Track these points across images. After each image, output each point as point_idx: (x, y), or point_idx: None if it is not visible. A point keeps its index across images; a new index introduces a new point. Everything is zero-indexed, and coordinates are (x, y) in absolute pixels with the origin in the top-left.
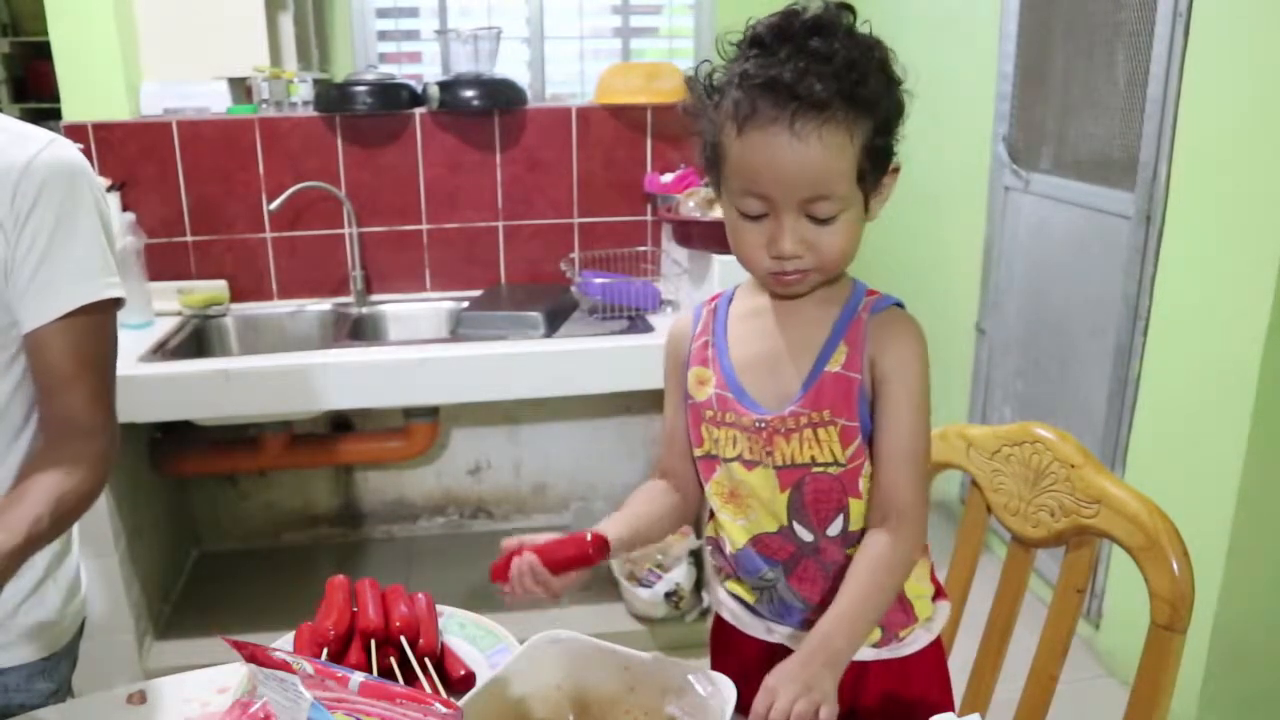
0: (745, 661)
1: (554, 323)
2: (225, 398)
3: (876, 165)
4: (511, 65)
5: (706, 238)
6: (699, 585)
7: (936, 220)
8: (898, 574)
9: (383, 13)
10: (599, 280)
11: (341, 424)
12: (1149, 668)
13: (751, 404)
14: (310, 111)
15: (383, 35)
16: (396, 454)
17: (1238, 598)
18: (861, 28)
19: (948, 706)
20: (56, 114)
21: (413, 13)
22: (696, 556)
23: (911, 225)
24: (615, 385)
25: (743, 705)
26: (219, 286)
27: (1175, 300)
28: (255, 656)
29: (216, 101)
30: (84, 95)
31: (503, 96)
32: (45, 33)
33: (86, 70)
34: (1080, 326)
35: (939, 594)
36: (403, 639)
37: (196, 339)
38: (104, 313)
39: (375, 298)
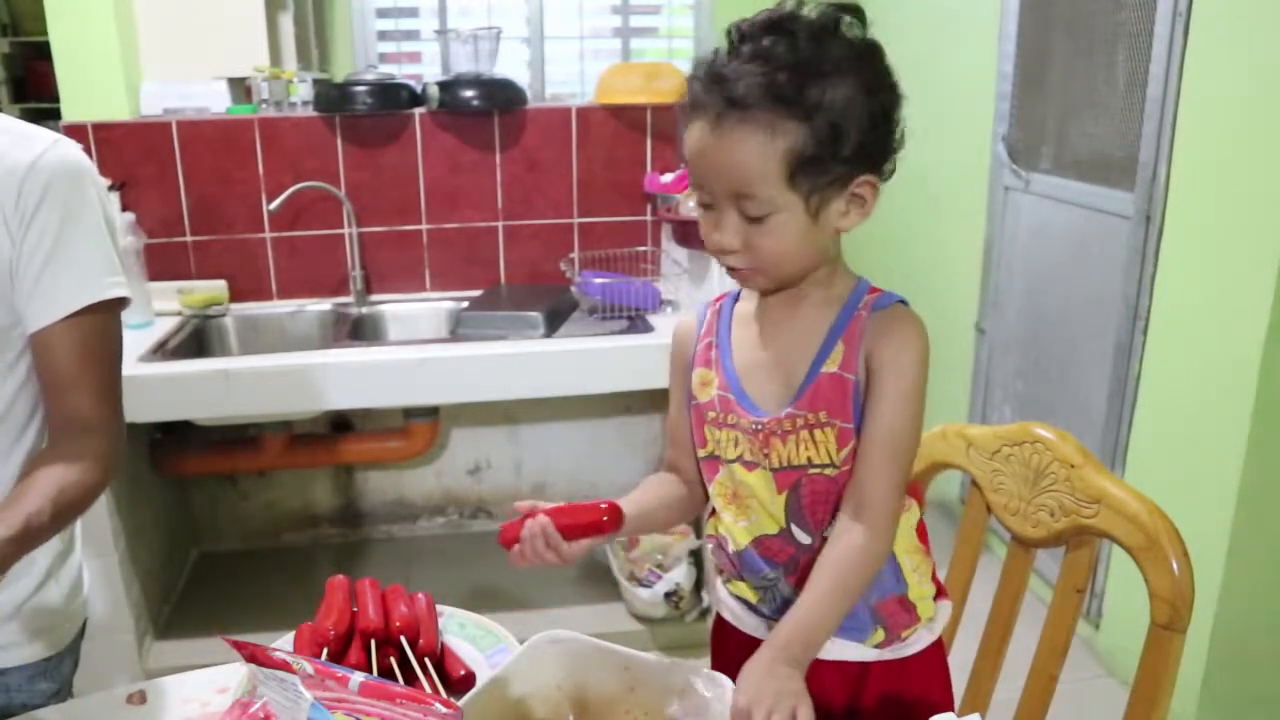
0: (746, 661)
1: (554, 323)
2: (225, 398)
3: (818, 172)
4: (511, 65)
5: None
6: (699, 585)
7: (936, 220)
8: (864, 573)
9: (383, 13)
10: (599, 280)
11: (341, 424)
12: (1149, 668)
13: (751, 406)
14: (310, 111)
15: (383, 35)
16: (396, 454)
17: (1238, 598)
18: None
19: (948, 706)
20: (56, 114)
21: (413, 13)
22: (696, 556)
23: (911, 225)
24: (615, 385)
25: None
26: (219, 286)
27: (1175, 300)
28: (255, 656)
29: (216, 101)
30: (84, 95)
31: (503, 96)
32: (45, 33)
33: (86, 70)
34: (1080, 326)
35: (940, 594)
36: (403, 639)
37: (196, 339)
38: (109, 312)
39: (375, 298)
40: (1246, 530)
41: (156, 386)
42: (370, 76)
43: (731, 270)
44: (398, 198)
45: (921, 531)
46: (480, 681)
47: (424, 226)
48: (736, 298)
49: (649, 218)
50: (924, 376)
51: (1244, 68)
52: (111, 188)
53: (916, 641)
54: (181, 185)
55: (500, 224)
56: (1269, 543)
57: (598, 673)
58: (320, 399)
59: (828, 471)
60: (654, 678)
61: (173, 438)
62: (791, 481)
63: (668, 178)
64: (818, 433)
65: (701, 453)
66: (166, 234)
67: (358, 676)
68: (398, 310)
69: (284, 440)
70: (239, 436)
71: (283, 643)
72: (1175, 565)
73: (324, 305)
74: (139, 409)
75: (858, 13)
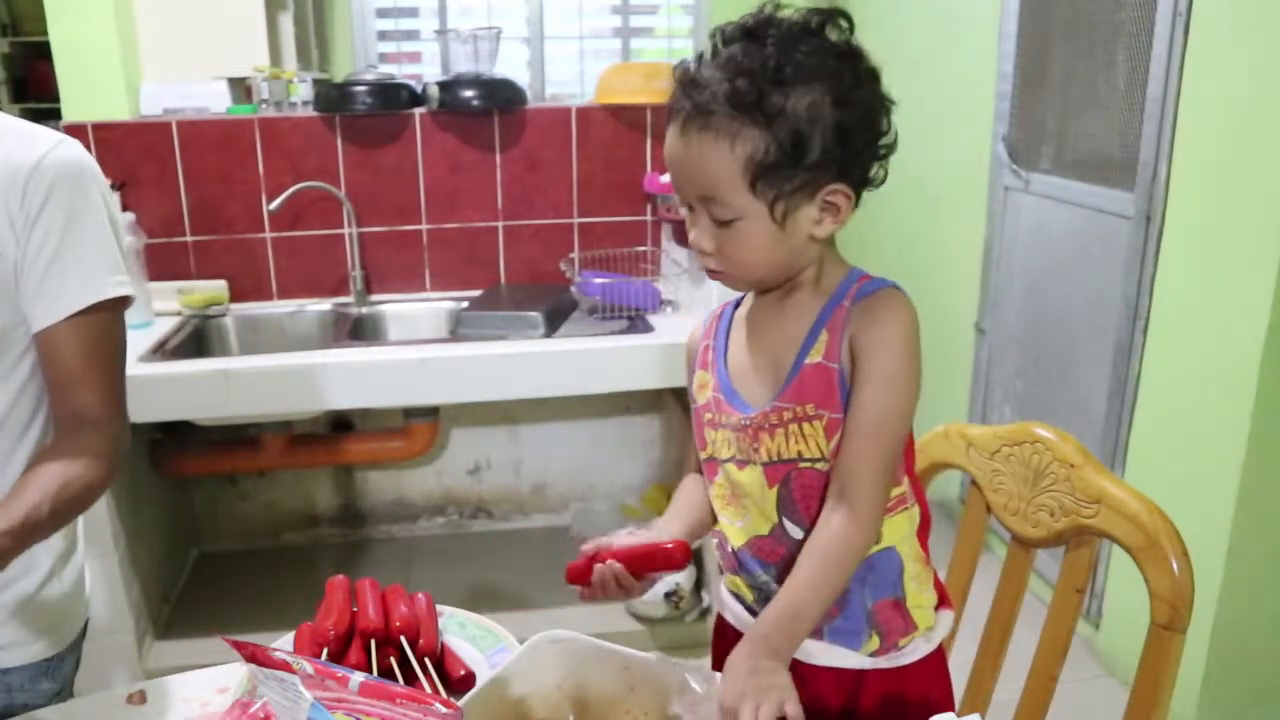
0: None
1: (554, 323)
2: (225, 398)
3: (781, 180)
4: (511, 65)
5: None
6: (699, 585)
7: (936, 220)
8: (845, 562)
9: (383, 13)
10: (599, 280)
11: (341, 424)
12: (1149, 668)
13: (741, 404)
14: (310, 111)
15: (383, 35)
16: (396, 454)
17: (1238, 598)
18: (860, 31)
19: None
20: (56, 114)
21: (413, 13)
22: (697, 556)
23: (911, 225)
24: (615, 385)
25: None
26: (219, 286)
27: (1175, 300)
28: (255, 656)
29: (216, 101)
30: (84, 95)
31: (503, 96)
32: (45, 33)
33: (86, 70)
34: (1080, 326)
35: (943, 602)
36: (403, 639)
37: (196, 339)
38: (113, 310)
39: (375, 298)
40: (1246, 530)
41: (156, 386)
42: (370, 76)
43: (711, 272)
44: (398, 198)
45: (923, 536)
46: (480, 681)
47: (424, 226)
48: (739, 302)
49: (649, 218)
50: (911, 360)
51: (1244, 68)
52: (112, 188)
53: (913, 651)
54: (181, 185)
55: (500, 224)
56: (1269, 543)
57: (598, 673)
58: (320, 399)
59: (818, 465)
60: (654, 678)
61: (173, 438)
62: (781, 475)
63: (667, 178)
64: (806, 426)
65: (702, 455)
66: (166, 234)
67: (358, 676)
68: (398, 310)
69: (284, 440)
70: (239, 436)
71: (283, 643)
72: (1175, 565)
73: (324, 305)
74: (139, 409)
75: (842, 17)
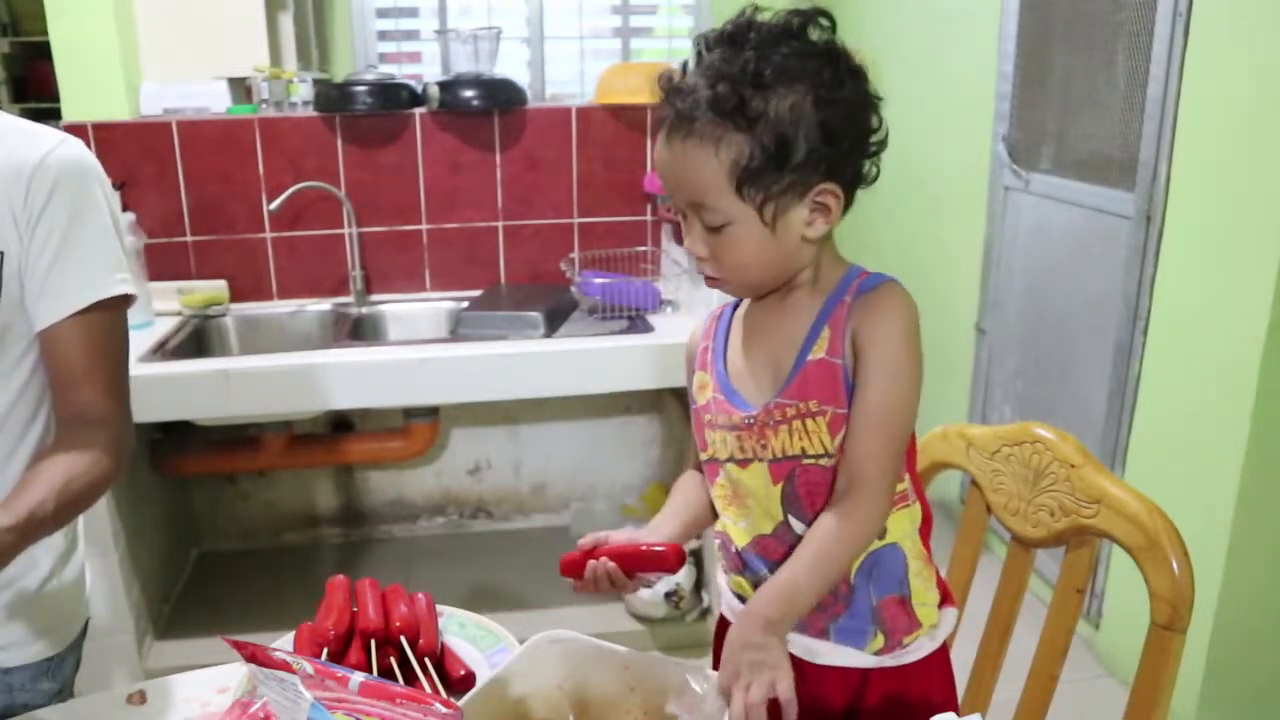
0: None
1: (554, 323)
2: (225, 398)
3: (768, 184)
4: (511, 65)
5: None
6: (699, 585)
7: (936, 220)
8: (847, 544)
9: (383, 13)
10: (599, 280)
11: (341, 424)
12: (1149, 667)
13: (741, 403)
14: (310, 111)
15: (383, 35)
16: (396, 454)
17: (1238, 598)
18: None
19: (951, 711)
20: (56, 114)
21: (413, 13)
22: (697, 556)
23: (911, 225)
24: (615, 385)
25: None
26: (219, 286)
27: (1175, 300)
28: (255, 656)
29: (216, 101)
30: (84, 95)
31: (503, 96)
32: (45, 33)
33: (86, 70)
34: (1080, 326)
35: (946, 600)
36: (403, 639)
37: (196, 339)
38: (116, 309)
39: (375, 298)
40: (1246, 530)
41: (156, 386)
42: (370, 76)
43: (708, 280)
44: (398, 198)
45: (925, 534)
46: (480, 681)
47: (424, 226)
48: (738, 303)
49: (649, 218)
50: (913, 351)
51: (1244, 68)
52: (113, 187)
53: (918, 649)
54: (182, 185)
55: (500, 224)
56: (1269, 543)
57: (598, 673)
58: (320, 399)
59: (823, 461)
60: (654, 677)
61: (173, 438)
62: (786, 472)
63: None
64: (809, 422)
65: (703, 456)
66: (166, 234)
67: (358, 676)
68: (398, 310)
69: (284, 440)
70: (239, 436)
71: (283, 643)
72: (1175, 565)
73: (324, 305)
74: (139, 409)
75: (823, 16)
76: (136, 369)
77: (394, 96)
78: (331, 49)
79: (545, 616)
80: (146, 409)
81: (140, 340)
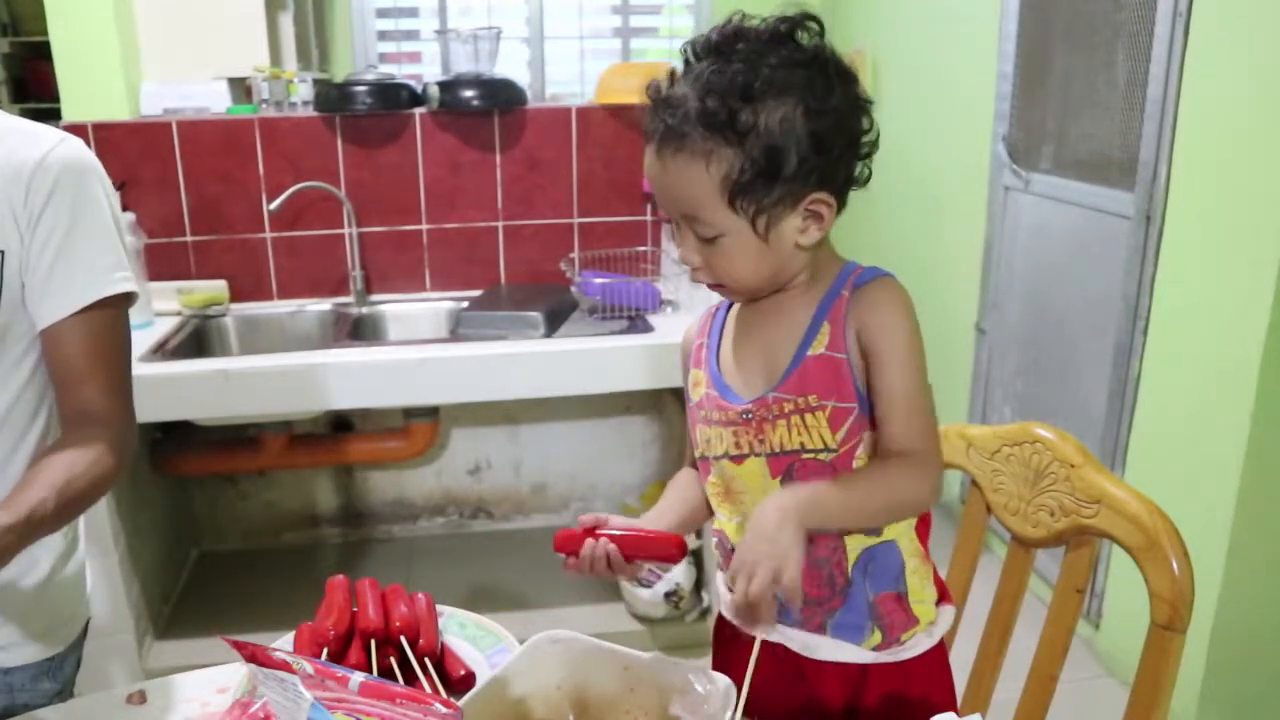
0: (745, 660)
1: (554, 323)
2: (225, 398)
3: (760, 195)
4: (511, 65)
5: None
6: (699, 585)
7: (936, 220)
8: (901, 483)
9: (383, 13)
10: (599, 280)
11: (341, 424)
12: (1149, 667)
13: (735, 397)
14: (310, 111)
15: (383, 35)
16: (396, 454)
17: (1238, 598)
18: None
19: (950, 709)
20: (56, 114)
21: (413, 13)
22: (697, 556)
23: (911, 225)
24: (615, 385)
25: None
26: (219, 286)
27: (1175, 300)
28: (255, 656)
29: (216, 101)
30: (84, 95)
31: (503, 96)
32: (45, 33)
33: (86, 70)
34: (1080, 326)
35: (944, 598)
36: (403, 639)
37: (196, 339)
38: (117, 307)
39: (375, 298)
40: (1246, 530)
41: (156, 386)
42: (370, 76)
43: (707, 285)
44: (398, 198)
45: (923, 532)
46: (480, 681)
47: (424, 226)
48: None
49: (649, 218)
50: (918, 337)
51: (1244, 68)
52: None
53: (915, 646)
54: (182, 185)
55: (500, 224)
56: (1269, 543)
57: (598, 673)
58: (320, 399)
59: (822, 456)
60: (654, 678)
61: (173, 437)
62: (785, 466)
63: None
64: (809, 417)
65: (697, 453)
66: (166, 234)
67: (358, 676)
68: (398, 310)
69: (284, 440)
70: (239, 436)
71: (283, 643)
72: (1175, 565)
73: (324, 305)
74: (139, 409)
75: (811, 20)
76: (137, 369)
77: (394, 96)
78: (331, 49)
79: (545, 616)
80: (146, 409)
81: (140, 340)
